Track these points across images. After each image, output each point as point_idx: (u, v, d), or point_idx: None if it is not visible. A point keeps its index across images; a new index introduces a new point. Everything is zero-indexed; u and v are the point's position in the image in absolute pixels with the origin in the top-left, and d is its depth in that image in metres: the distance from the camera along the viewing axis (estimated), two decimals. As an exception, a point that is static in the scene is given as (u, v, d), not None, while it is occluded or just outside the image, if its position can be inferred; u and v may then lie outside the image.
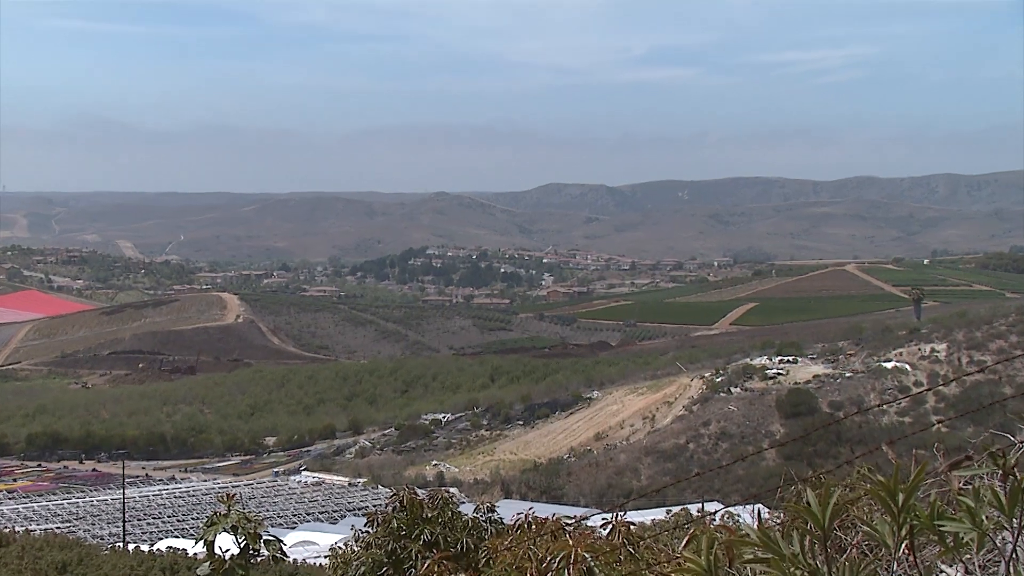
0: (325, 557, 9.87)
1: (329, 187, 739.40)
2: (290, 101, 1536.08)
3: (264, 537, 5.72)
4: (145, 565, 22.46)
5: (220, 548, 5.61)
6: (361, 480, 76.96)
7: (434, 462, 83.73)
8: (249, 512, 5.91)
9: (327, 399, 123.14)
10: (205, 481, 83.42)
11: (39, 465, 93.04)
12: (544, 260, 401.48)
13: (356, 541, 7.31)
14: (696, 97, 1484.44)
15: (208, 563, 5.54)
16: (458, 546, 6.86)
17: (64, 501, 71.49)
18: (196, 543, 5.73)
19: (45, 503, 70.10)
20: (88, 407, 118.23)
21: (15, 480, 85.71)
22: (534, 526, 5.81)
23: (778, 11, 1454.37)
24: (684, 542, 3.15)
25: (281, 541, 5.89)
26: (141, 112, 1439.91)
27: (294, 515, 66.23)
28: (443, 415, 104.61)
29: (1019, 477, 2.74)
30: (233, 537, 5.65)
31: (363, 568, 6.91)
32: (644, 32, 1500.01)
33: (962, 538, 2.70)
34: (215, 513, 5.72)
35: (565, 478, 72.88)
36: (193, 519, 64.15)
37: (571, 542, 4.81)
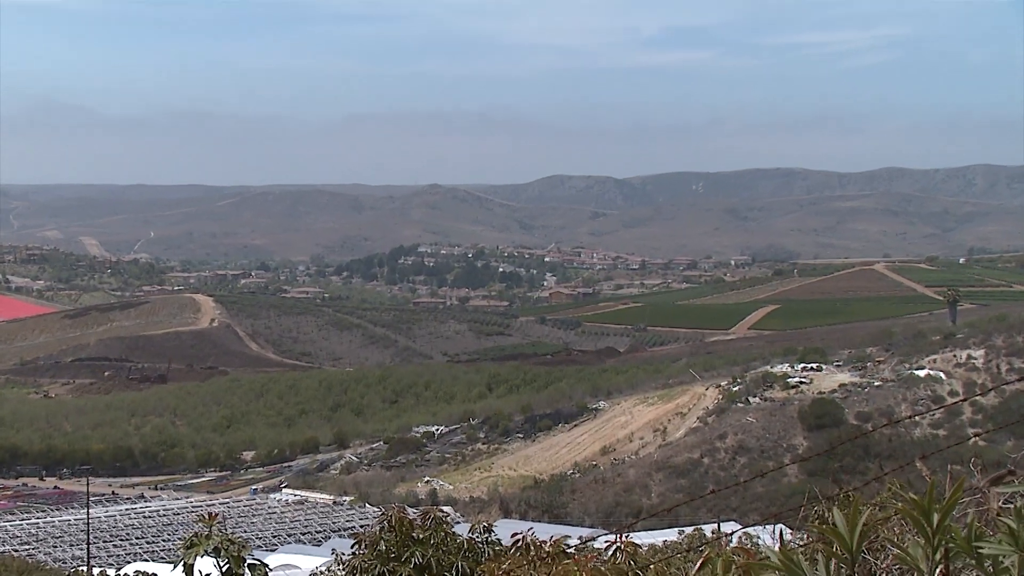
0: (307, 582, 9.87)
1: (312, 179, 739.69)
2: (269, 85, 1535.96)
3: (248, 561, 5.71)
4: (111, 591, 22.44)
5: (199, 572, 5.60)
6: (347, 498, 76.96)
7: (426, 479, 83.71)
8: (231, 534, 5.90)
9: (310, 410, 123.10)
10: (177, 499, 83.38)
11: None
12: (546, 259, 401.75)
13: (340, 565, 7.30)
14: (711, 82, 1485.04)
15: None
16: (452, 570, 6.85)
17: (23, 521, 71.48)
18: (173, 567, 5.71)
19: (2, 524, 70.09)
20: (49, 419, 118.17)
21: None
22: (534, 548, 5.80)
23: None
24: (698, 566, 3.13)
25: (266, 565, 5.89)
26: (106, 97, 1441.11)
27: (274, 536, 66.20)
28: (436, 427, 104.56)
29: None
30: (214, 560, 5.64)
31: (348, 594, 6.89)
32: (655, 11, 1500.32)
33: (1002, 562, 2.65)
34: (195, 534, 5.71)
35: (569, 496, 72.89)
36: (164, 541, 64.13)
37: (574, 566, 4.80)
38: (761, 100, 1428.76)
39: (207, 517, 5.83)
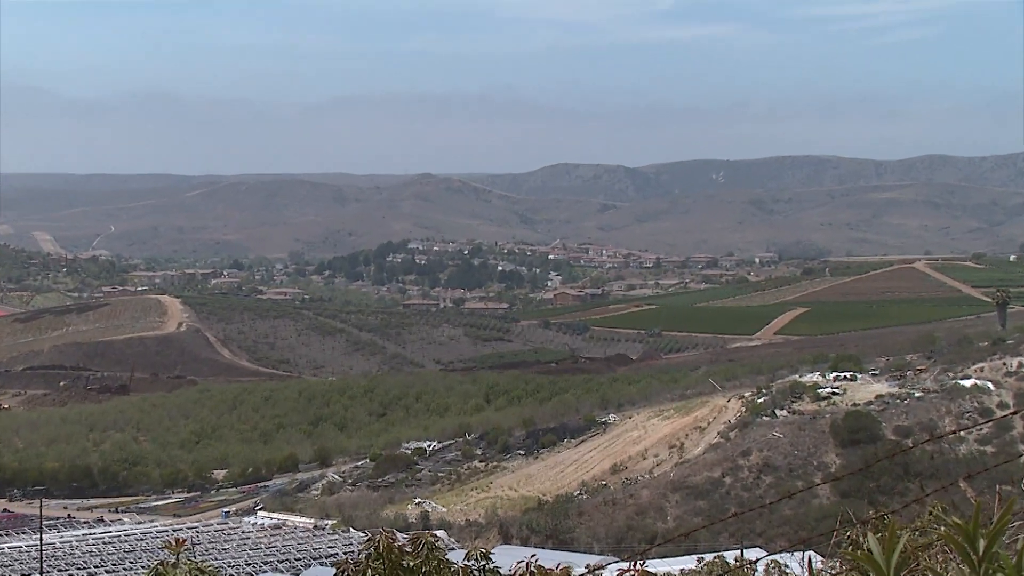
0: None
1: (290, 168, 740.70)
2: (242, 65, 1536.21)
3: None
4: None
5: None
6: (329, 522, 76.92)
7: (417, 500, 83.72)
8: (202, 563, 5.91)
9: (288, 424, 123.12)
10: (140, 523, 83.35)
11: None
12: (550, 256, 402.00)
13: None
14: (734, 60, 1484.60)
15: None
16: (446, 602, 6.84)
17: (-30, 547, 71.39)
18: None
19: (-53, 550, 70.03)
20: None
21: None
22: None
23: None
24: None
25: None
26: (61, 78, 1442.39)
27: (248, 564, 66.21)
28: (428, 443, 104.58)
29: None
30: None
31: (331, 628, 6.88)
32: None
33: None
34: (161, 562, 5.72)
35: (575, 519, 72.91)
36: (125, 569, 64.12)
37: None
38: (788, 80, 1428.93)
39: (174, 543, 5.83)
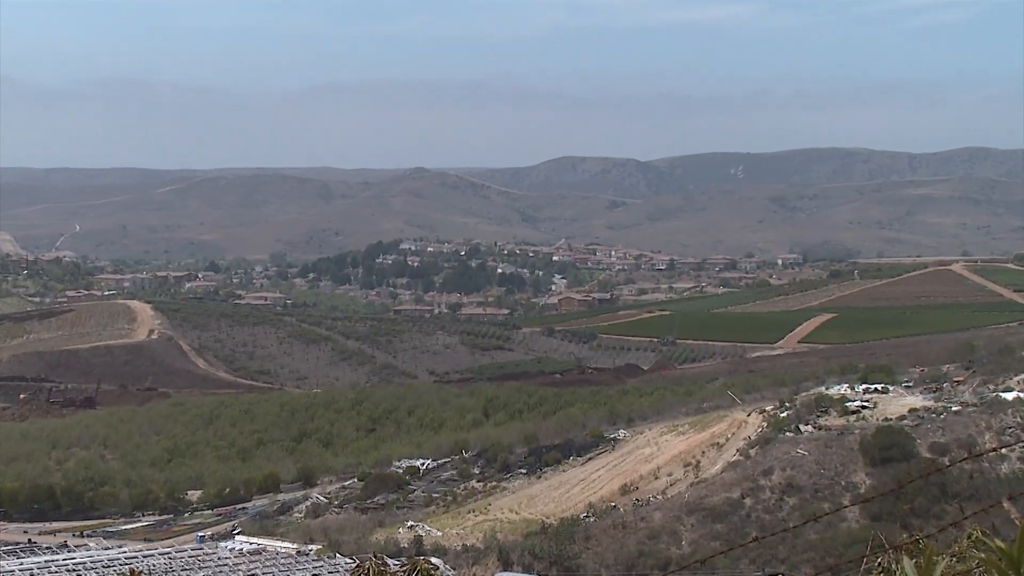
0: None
1: (271, 162, 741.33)
2: (219, 50, 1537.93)
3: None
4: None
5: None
6: (313, 547, 76.89)
7: (410, 523, 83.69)
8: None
9: (269, 440, 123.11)
10: (108, 549, 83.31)
11: None
12: (554, 258, 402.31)
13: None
14: (755, 44, 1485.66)
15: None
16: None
17: (-78, 575, 71.39)
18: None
19: None
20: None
21: None
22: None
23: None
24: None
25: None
26: (21, 63, 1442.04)
27: (225, 593, 66.15)
28: (421, 461, 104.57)
29: None
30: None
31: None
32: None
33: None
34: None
35: (581, 544, 72.86)
36: (92, 599, 64.01)
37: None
38: (814, 66, 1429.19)
39: (144, 572, 5.82)
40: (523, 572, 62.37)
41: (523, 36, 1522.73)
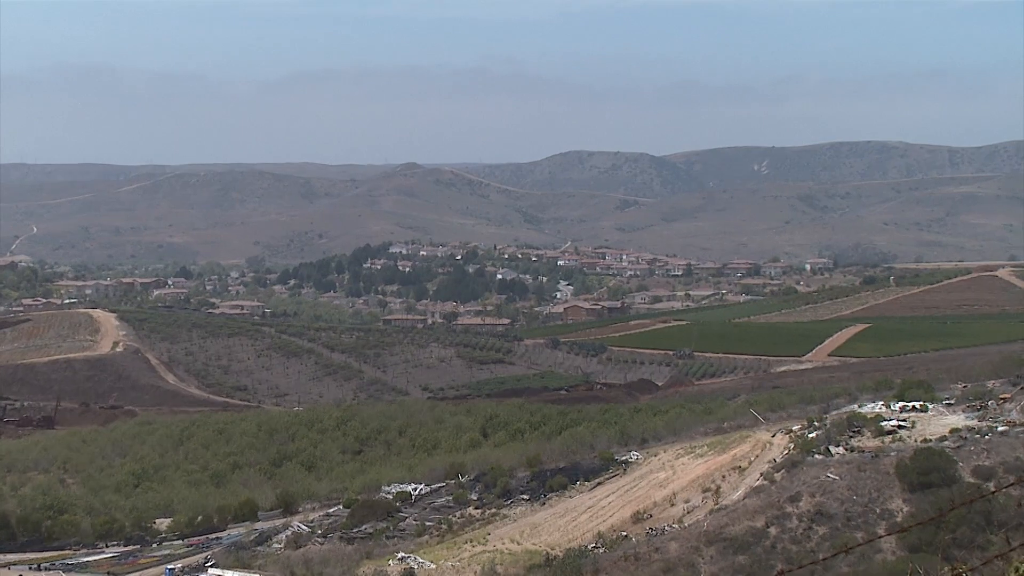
0: None
1: (248, 157, 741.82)
2: (190, 34, 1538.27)
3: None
4: None
5: None
6: (294, 581, 77.01)
7: (400, 555, 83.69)
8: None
9: (245, 463, 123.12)
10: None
11: None
12: (560, 262, 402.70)
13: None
14: (782, 27, 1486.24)
15: None
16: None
17: None
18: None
19: None
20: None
21: None
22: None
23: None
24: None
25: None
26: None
27: (197, 632, 66.18)
28: (413, 486, 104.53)
29: None
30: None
31: None
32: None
33: None
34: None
35: (590, 578, 72.87)
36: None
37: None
38: (847, 52, 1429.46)
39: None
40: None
41: (526, 19, 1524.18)
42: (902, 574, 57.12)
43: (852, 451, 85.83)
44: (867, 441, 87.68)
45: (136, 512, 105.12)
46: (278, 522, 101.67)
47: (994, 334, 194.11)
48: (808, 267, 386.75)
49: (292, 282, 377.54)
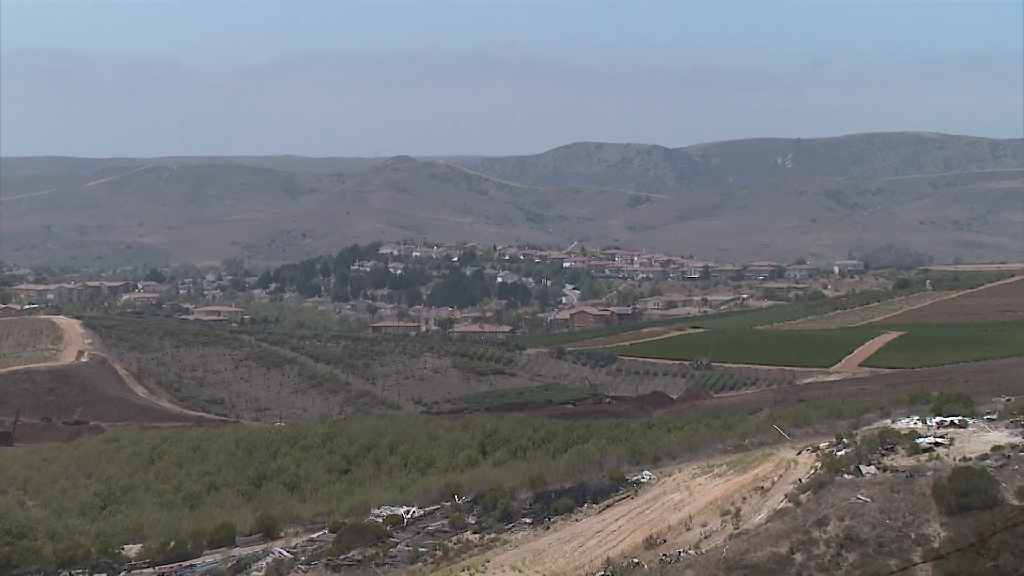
0: None
1: (225, 150, 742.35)
2: (163, 16, 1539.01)
3: None
4: None
5: None
6: (275, 612, 77.06)
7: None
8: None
9: (222, 484, 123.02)
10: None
11: None
12: (565, 264, 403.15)
13: None
14: (808, 8, 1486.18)
15: None
16: None
17: None
18: None
19: None
20: None
21: None
22: None
23: None
24: None
25: None
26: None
27: (169, 668, 66.12)
28: (406, 509, 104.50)
29: None
30: None
31: None
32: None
33: None
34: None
35: (599, 609, 72.91)
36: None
37: None
38: (878, 35, 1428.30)
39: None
40: (528, 642, 62.30)
41: (528, 0, 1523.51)
42: (939, 605, 57.09)
43: (885, 470, 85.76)
44: (901, 460, 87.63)
45: (103, 537, 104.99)
46: (258, 548, 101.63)
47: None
48: (836, 269, 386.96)
49: (273, 286, 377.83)
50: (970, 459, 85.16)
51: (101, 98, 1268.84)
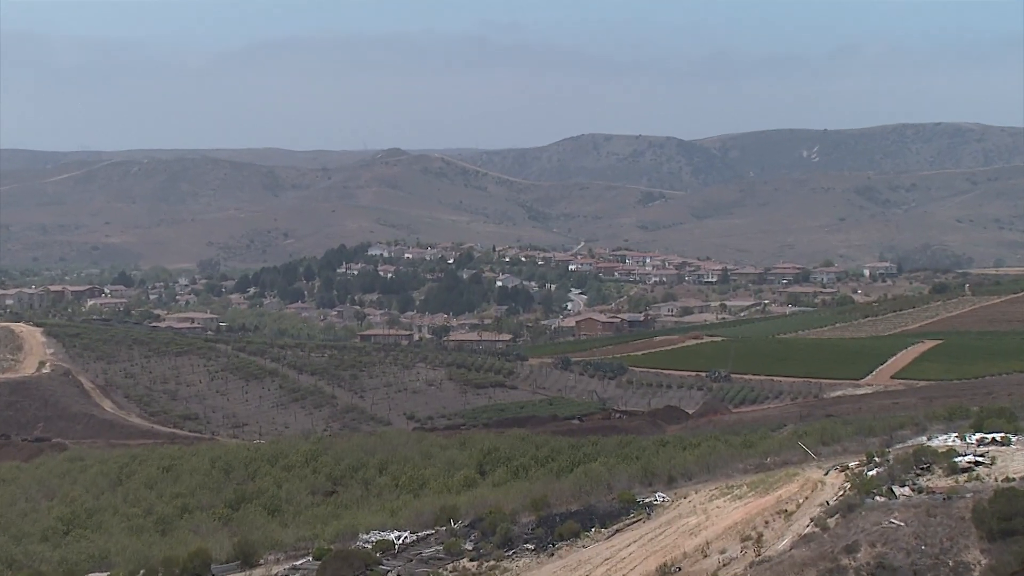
0: None
1: (200, 142, 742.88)
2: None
3: None
4: None
5: None
6: (255, 647, 76.96)
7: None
8: None
9: (196, 507, 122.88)
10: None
11: None
12: (571, 267, 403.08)
13: None
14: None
15: None
16: None
17: None
18: None
19: None
20: None
21: None
22: None
23: None
24: None
25: None
26: None
27: None
28: (397, 534, 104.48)
29: None
30: None
31: None
32: None
33: None
34: None
35: (608, 644, 72.85)
36: None
37: None
38: (913, 17, 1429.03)
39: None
40: None
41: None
42: (980, 639, 57.03)
43: (920, 492, 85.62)
44: (938, 480, 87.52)
45: (66, 564, 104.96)
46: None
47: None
48: (867, 272, 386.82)
49: (252, 290, 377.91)
50: (1013, 480, 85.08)
51: (63, 85, 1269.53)
